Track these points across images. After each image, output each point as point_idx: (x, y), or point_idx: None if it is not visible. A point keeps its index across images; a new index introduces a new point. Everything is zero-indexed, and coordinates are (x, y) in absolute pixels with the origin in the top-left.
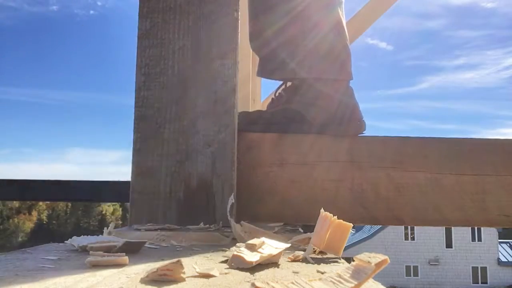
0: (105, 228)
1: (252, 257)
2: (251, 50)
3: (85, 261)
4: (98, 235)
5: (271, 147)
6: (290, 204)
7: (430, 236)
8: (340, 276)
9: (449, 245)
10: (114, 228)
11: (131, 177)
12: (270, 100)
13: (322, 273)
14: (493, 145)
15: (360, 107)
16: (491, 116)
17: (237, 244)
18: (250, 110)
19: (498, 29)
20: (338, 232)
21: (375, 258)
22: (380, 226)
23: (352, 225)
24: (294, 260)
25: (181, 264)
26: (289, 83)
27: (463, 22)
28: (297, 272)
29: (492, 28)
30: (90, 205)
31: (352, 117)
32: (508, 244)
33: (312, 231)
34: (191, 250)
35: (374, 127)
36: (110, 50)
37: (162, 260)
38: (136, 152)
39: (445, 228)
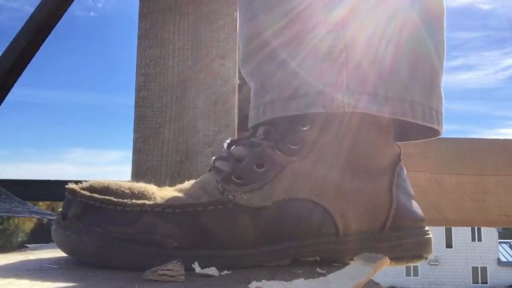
0: None
1: None
2: None
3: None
4: None
5: None
6: None
7: None
8: (340, 276)
9: (449, 245)
10: None
11: (131, 177)
12: None
13: (323, 273)
14: (493, 145)
15: None
16: (490, 116)
17: None
18: None
19: (495, 31)
20: None
21: (375, 258)
22: None
23: None
24: None
25: (181, 264)
26: None
27: (460, 23)
28: (297, 272)
29: (489, 29)
30: None
31: None
32: (508, 244)
33: None
34: None
35: None
36: (110, 50)
37: None
38: (136, 152)
39: (445, 228)
